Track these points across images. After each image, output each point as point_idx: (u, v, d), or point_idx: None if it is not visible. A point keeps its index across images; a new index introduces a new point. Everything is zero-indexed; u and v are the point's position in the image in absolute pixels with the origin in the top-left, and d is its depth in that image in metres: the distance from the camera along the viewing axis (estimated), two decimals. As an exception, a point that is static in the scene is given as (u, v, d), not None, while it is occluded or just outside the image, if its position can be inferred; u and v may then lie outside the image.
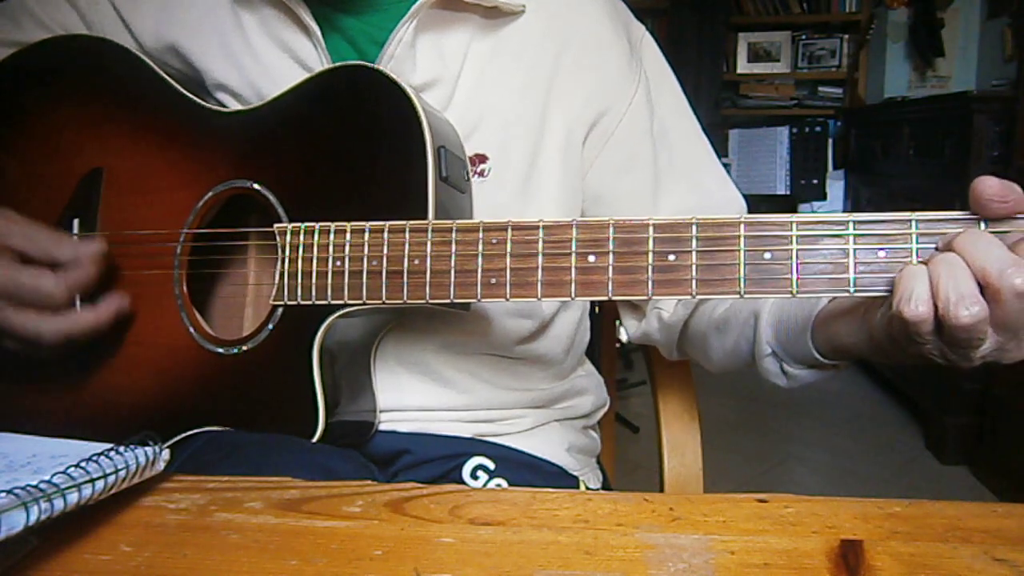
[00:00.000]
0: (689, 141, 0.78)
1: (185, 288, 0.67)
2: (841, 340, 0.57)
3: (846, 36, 3.86)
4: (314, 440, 0.61)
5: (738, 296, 0.50)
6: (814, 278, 0.49)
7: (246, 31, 0.72)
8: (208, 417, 0.64)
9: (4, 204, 0.67)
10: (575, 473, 0.78)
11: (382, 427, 0.71)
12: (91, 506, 0.45)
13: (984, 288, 0.44)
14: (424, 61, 0.69)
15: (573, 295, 0.53)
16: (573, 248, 0.53)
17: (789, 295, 0.50)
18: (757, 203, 3.81)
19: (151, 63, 0.73)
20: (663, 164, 0.76)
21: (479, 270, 0.55)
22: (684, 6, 3.75)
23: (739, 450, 2.55)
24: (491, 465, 0.71)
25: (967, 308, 0.44)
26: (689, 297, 0.51)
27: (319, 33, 0.69)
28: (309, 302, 0.60)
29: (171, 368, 0.67)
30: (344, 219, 0.59)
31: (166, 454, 0.50)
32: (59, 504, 0.42)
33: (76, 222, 0.71)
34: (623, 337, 0.94)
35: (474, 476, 0.71)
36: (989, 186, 0.45)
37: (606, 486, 0.87)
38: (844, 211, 0.54)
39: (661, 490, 0.83)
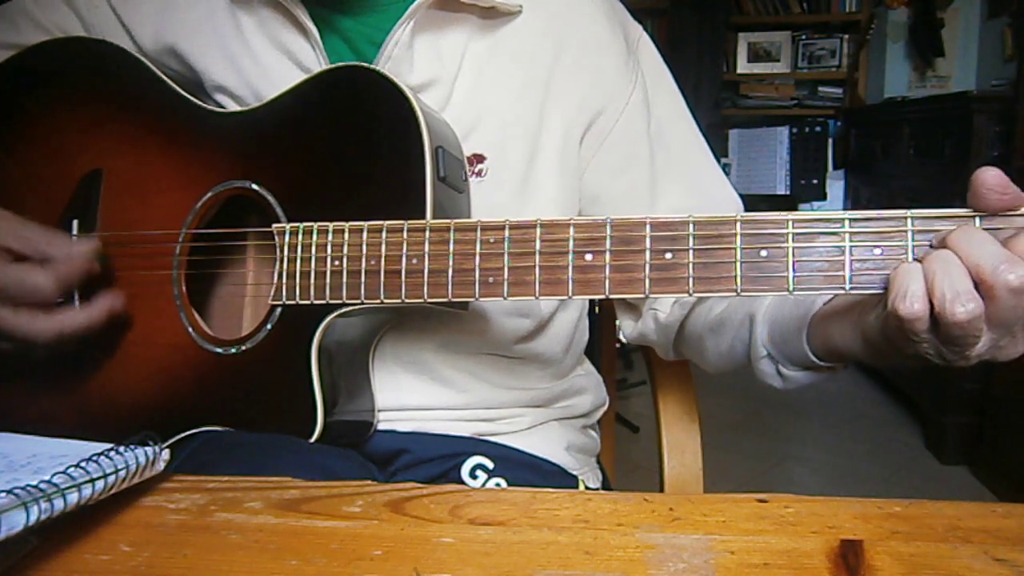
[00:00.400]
0: (686, 142, 0.78)
1: (184, 288, 0.67)
2: (835, 342, 0.57)
3: (846, 36, 3.86)
4: (312, 439, 0.61)
5: (735, 294, 0.50)
6: (810, 276, 0.49)
7: (244, 32, 0.72)
8: (207, 417, 0.64)
9: (4, 204, 0.67)
10: (574, 472, 0.78)
11: (381, 426, 0.71)
12: (91, 506, 0.45)
13: (978, 285, 0.44)
14: (422, 62, 0.69)
15: (571, 294, 0.53)
16: (571, 247, 0.53)
17: (786, 293, 0.50)
18: (757, 203, 3.81)
19: (150, 65, 0.73)
20: (659, 165, 0.76)
21: (477, 269, 0.55)
22: (684, 6, 3.75)
23: (739, 450, 2.55)
24: (490, 464, 0.71)
25: (963, 305, 0.44)
26: (686, 295, 0.51)
27: (317, 34, 0.69)
28: (308, 302, 0.60)
29: (170, 368, 0.67)
30: (342, 219, 0.60)
31: (166, 454, 0.50)
32: (59, 504, 0.42)
33: (75, 223, 0.71)
34: (623, 337, 0.94)
35: (473, 475, 0.71)
36: (991, 176, 0.45)
37: (606, 486, 0.87)
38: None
39: (661, 490, 0.83)
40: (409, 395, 0.71)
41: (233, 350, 0.64)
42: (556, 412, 0.80)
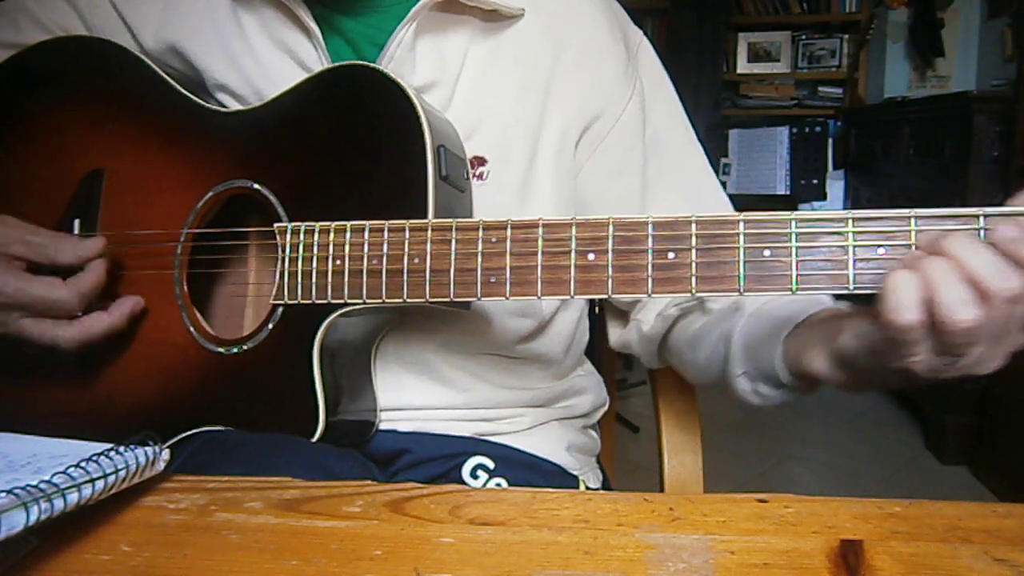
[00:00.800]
0: (682, 149, 0.78)
1: (185, 288, 0.67)
2: (808, 368, 0.57)
3: (846, 36, 3.86)
4: (314, 439, 0.61)
5: (738, 294, 0.50)
6: (814, 275, 0.49)
7: (246, 32, 0.72)
8: (208, 417, 0.64)
9: (5, 205, 0.67)
10: (575, 472, 0.78)
11: (382, 426, 0.71)
12: (91, 506, 0.45)
13: (976, 293, 0.44)
14: (424, 63, 0.69)
15: (573, 293, 0.53)
16: (573, 246, 0.53)
17: (789, 292, 0.50)
18: (757, 203, 3.81)
19: (151, 64, 0.73)
20: (652, 172, 0.75)
21: (479, 269, 0.55)
22: (684, 6, 3.75)
23: (739, 450, 2.55)
24: (491, 464, 0.71)
25: (966, 313, 0.43)
26: (689, 295, 0.51)
27: (319, 34, 0.69)
28: (309, 301, 0.60)
29: (171, 368, 0.67)
30: (344, 218, 0.59)
31: (166, 454, 0.50)
32: (59, 504, 0.42)
33: (77, 223, 0.71)
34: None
35: (474, 475, 0.71)
36: None
37: (606, 486, 0.87)
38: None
39: (661, 490, 0.83)
40: (410, 395, 0.71)
41: (235, 350, 0.64)
42: (557, 412, 0.80)
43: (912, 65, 3.51)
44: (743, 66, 3.95)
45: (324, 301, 0.60)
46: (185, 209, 0.68)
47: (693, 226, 0.51)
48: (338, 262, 0.59)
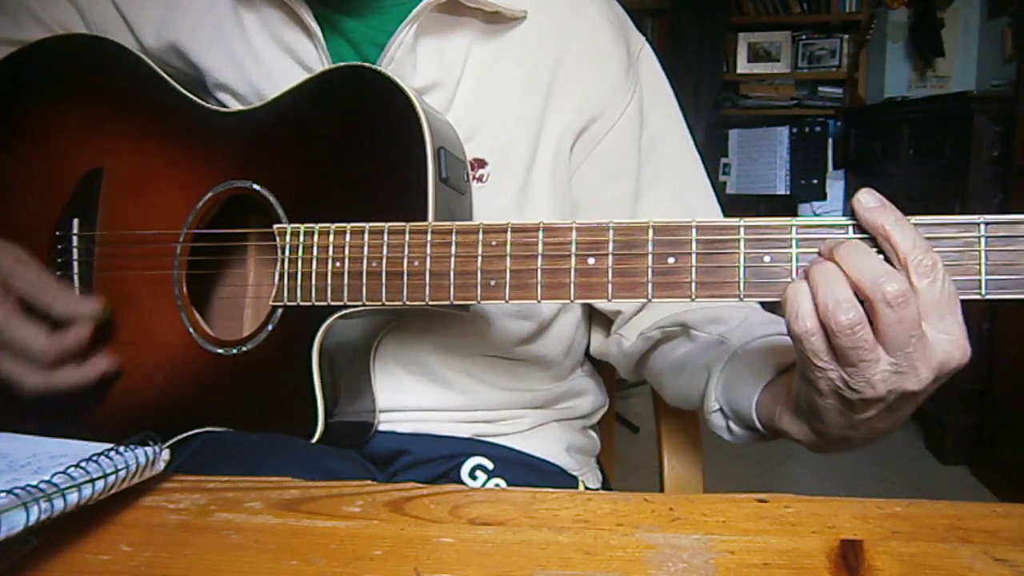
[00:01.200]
0: (678, 155, 0.78)
1: (185, 289, 0.67)
2: (782, 427, 0.58)
3: (846, 36, 3.86)
4: (313, 440, 0.61)
5: (738, 299, 0.50)
6: (814, 280, 0.49)
7: (247, 31, 0.72)
8: (208, 417, 0.64)
9: (4, 204, 0.67)
10: (574, 473, 0.78)
11: (381, 427, 0.71)
12: (91, 506, 0.45)
13: (860, 298, 0.45)
14: (425, 64, 0.69)
15: (572, 297, 0.53)
16: (573, 250, 0.53)
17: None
18: (757, 203, 3.81)
19: (151, 63, 0.73)
20: (645, 179, 0.75)
21: (479, 272, 0.55)
22: (684, 6, 3.75)
23: (739, 450, 2.54)
24: (490, 465, 0.71)
25: (845, 313, 0.44)
26: (689, 300, 0.51)
27: (320, 34, 0.69)
28: (309, 303, 0.60)
29: (171, 368, 0.67)
30: (344, 220, 0.59)
31: (166, 454, 0.50)
32: (59, 504, 0.42)
33: (76, 222, 0.71)
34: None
35: (473, 476, 0.71)
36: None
37: (606, 486, 0.87)
38: (844, 211, 0.54)
39: (661, 490, 0.84)
40: (410, 396, 0.71)
41: (234, 351, 0.64)
42: (556, 413, 0.80)
43: (912, 65, 3.51)
44: (743, 66, 3.95)
45: (323, 303, 0.60)
46: (185, 209, 0.68)
47: (694, 231, 0.50)
48: (338, 264, 0.59)
